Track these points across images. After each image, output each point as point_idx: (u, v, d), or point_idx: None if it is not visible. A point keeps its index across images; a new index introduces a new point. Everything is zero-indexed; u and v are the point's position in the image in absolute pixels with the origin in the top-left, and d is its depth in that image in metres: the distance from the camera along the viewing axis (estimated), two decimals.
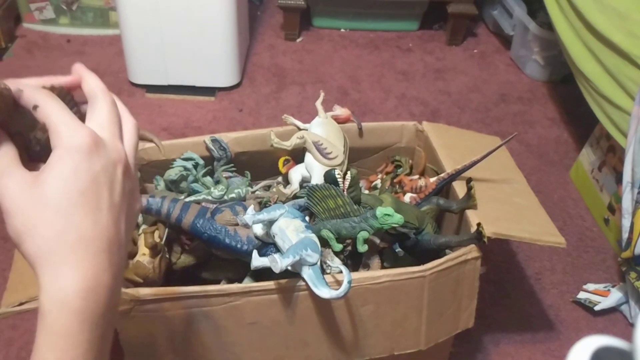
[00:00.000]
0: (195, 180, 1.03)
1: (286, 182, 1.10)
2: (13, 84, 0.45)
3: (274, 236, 0.85)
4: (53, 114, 0.43)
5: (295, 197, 1.02)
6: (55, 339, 0.39)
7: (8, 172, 0.41)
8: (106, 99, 0.46)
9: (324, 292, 0.79)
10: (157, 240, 0.91)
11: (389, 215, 0.84)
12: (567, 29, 1.41)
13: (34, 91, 0.45)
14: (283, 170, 1.09)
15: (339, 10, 2.05)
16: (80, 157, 0.41)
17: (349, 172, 0.93)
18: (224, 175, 1.04)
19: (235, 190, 1.02)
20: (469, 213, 0.94)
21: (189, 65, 1.72)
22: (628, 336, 0.28)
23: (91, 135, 0.42)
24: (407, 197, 1.04)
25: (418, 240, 0.93)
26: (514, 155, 1.14)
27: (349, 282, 0.79)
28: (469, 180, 0.93)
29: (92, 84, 0.47)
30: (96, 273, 0.40)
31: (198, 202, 0.97)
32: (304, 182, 1.06)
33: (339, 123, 1.12)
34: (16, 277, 0.85)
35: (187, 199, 0.97)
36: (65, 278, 0.39)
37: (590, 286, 1.26)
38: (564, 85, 1.86)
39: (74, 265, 0.40)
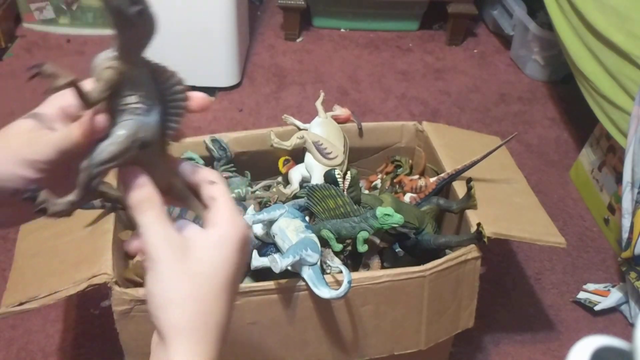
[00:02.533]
0: None
1: (286, 182, 1.10)
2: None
3: (274, 236, 0.85)
4: (223, 196, 0.44)
5: (295, 197, 1.02)
6: None
7: (156, 228, 0.41)
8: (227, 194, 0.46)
9: (324, 292, 0.79)
10: None
11: (389, 215, 0.84)
12: (567, 29, 1.41)
13: (210, 171, 0.46)
14: (283, 170, 1.09)
15: (339, 10, 2.05)
16: (236, 247, 0.43)
17: (349, 172, 0.93)
18: (224, 175, 1.04)
19: (236, 190, 1.02)
20: (469, 213, 0.94)
21: (189, 65, 1.71)
22: (628, 336, 0.28)
23: (247, 230, 0.44)
24: (407, 197, 1.04)
25: (418, 240, 0.93)
26: (514, 155, 1.14)
27: (349, 282, 0.79)
28: (469, 180, 0.93)
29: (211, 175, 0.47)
30: (217, 356, 0.42)
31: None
32: (304, 182, 1.06)
33: (339, 123, 1.12)
34: (16, 277, 0.85)
35: None
36: (196, 357, 0.40)
37: (590, 286, 1.26)
38: (564, 85, 1.86)
39: (206, 348, 0.41)
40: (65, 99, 0.42)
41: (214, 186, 0.44)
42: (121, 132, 0.40)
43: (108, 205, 0.45)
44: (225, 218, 0.43)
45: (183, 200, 0.46)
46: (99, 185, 0.41)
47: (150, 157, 0.42)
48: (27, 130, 0.41)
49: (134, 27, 0.38)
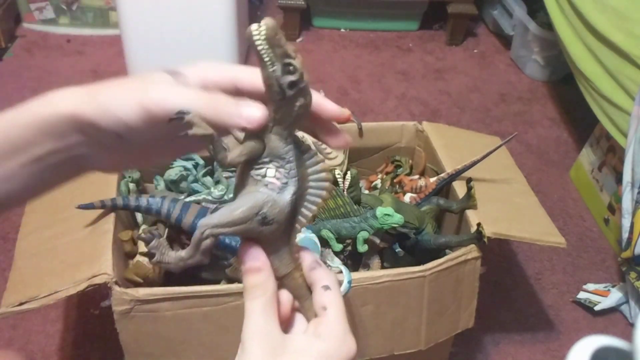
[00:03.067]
0: (195, 180, 1.03)
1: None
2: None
3: None
4: (336, 307, 0.41)
5: None
6: None
7: (258, 319, 0.39)
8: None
9: None
10: None
11: (389, 215, 0.84)
12: (567, 29, 1.41)
13: (327, 272, 0.43)
14: None
15: (339, 10, 2.05)
16: None
17: (349, 172, 0.93)
18: (224, 175, 1.04)
19: None
20: (469, 213, 0.94)
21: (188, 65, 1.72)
22: (628, 336, 0.28)
23: (355, 351, 0.40)
24: (407, 197, 1.04)
25: (418, 240, 0.93)
26: (514, 155, 1.14)
27: (349, 282, 0.79)
28: (469, 180, 0.93)
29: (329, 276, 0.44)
30: None
31: (198, 202, 0.97)
32: None
33: (339, 123, 1.12)
34: (16, 277, 0.85)
35: (187, 199, 0.97)
36: None
37: (590, 286, 1.26)
38: (564, 85, 1.86)
39: None
40: (210, 72, 0.40)
41: (328, 293, 0.41)
42: (246, 202, 0.39)
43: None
44: (334, 334, 0.40)
45: (297, 297, 0.43)
46: (211, 247, 0.39)
47: (273, 239, 0.40)
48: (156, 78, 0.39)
49: (288, 100, 0.37)
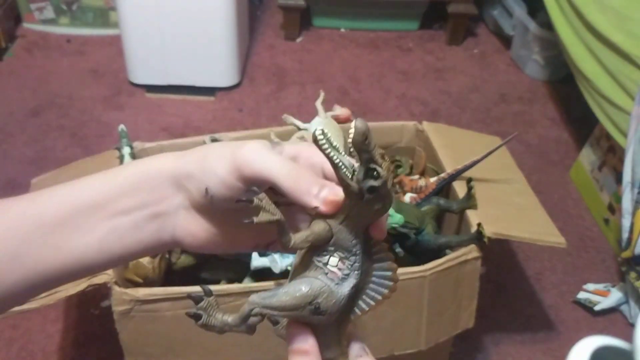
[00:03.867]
0: None
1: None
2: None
3: None
4: None
5: None
6: None
7: None
8: None
9: None
10: None
11: (389, 215, 0.84)
12: (567, 29, 1.41)
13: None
14: None
15: (339, 10, 2.05)
16: None
17: None
18: None
19: None
20: (469, 213, 0.94)
21: (189, 65, 1.72)
22: (628, 336, 0.28)
23: None
24: (407, 197, 1.04)
25: (418, 240, 0.93)
26: (514, 155, 1.14)
27: None
28: (469, 180, 0.93)
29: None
30: None
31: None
32: None
33: (339, 123, 1.12)
34: None
35: None
36: None
37: (590, 286, 1.26)
38: (564, 85, 1.86)
39: None
40: (305, 151, 0.40)
41: None
42: (302, 288, 0.37)
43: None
44: None
45: None
46: (257, 324, 0.38)
47: (324, 328, 0.39)
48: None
49: (366, 202, 0.36)
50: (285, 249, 0.37)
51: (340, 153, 0.35)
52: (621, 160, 1.21)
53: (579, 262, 1.33)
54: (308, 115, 1.27)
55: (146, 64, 1.71)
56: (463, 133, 1.22)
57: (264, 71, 1.87)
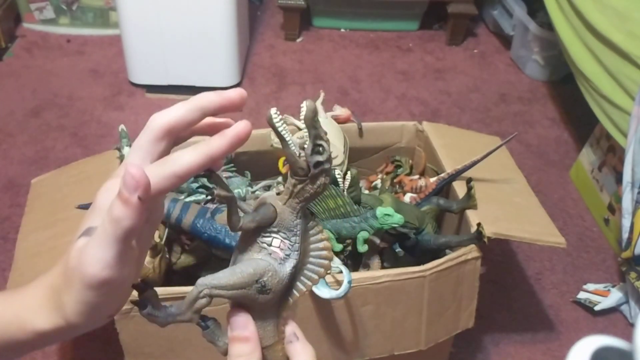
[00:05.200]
0: (195, 180, 1.03)
1: (286, 182, 1.09)
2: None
3: None
4: None
5: None
6: None
7: None
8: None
9: (324, 292, 0.79)
10: (157, 240, 0.91)
11: (389, 215, 0.84)
12: (567, 29, 1.41)
13: (306, 347, 0.43)
14: (283, 170, 1.09)
15: (339, 10, 2.05)
16: None
17: (349, 172, 0.93)
18: (224, 175, 1.04)
19: (236, 190, 1.02)
20: (469, 213, 0.94)
21: (189, 65, 1.72)
22: (628, 336, 0.28)
23: None
24: (407, 197, 1.04)
25: (418, 240, 0.93)
26: (514, 155, 1.14)
27: (349, 282, 0.79)
28: (469, 180, 0.93)
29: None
30: None
31: (198, 202, 0.97)
32: None
33: (339, 123, 1.12)
34: (16, 277, 0.85)
35: (187, 199, 0.97)
36: None
37: (590, 286, 1.26)
38: (564, 85, 1.86)
39: None
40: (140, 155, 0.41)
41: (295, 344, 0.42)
42: (248, 268, 0.39)
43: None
44: None
45: None
46: (204, 307, 0.39)
47: (265, 308, 0.41)
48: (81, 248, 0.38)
49: (311, 178, 0.39)
50: (234, 229, 0.39)
51: (308, 131, 0.38)
52: (621, 160, 1.21)
53: (579, 262, 1.33)
54: None
55: (146, 64, 1.71)
56: (463, 133, 1.22)
57: (264, 71, 1.87)
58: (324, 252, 0.41)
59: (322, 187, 0.40)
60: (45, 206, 0.95)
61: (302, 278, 0.42)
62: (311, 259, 0.42)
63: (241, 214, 0.40)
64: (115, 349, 0.83)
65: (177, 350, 0.83)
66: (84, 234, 0.38)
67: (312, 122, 0.37)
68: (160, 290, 0.79)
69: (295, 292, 0.42)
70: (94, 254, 0.36)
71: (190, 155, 0.38)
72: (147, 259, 0.90)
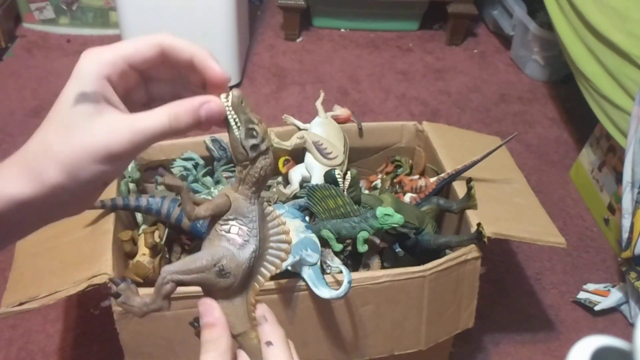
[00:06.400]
0: (195, 180, 1.03)
1: (286, 182, 1.10)
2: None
3: None
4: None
5: (295, 197, 1.02)
6: None
7: None
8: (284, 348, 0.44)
9: (324, 292, 0.79)
10: (157, 240, 0.91)
11: (389, 215, 0.84)
12: (567, 29, 1.41)
13: (275, 329, 0.44)
14: (283, 170, 1.09)
15: (339, 10, 2.05)
16: None
17: (349, 172, 0.93)
18: (224, 175, 1.04)
19: None
20: (469, 213, 0.94)
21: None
22: (628, 336, 0.28)
23: None
24: (407, 197, 1.04)
25: (418, 240, 0.93)
26: (514, 155, 1.14)
27: (349, 282, 0.79)
28: (469, 180, 0.93)
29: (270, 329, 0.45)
30: None
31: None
32: (304, 182, 1.06)
33: (339, 123, 1.12)
34: (16, 277, 0.85)
35: None
36: None
37: (590, 286, 1.26)
38: (564, 85, 1.86)
39: None
40: (104, 56, 0.39)
41: (271, 349, 0.43)
42: (205, 254, 0.42)
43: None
44: None
45: (252, 357, 0.44)
46: (171, 292, 0.42)
47: (231, 294, 0.43)
48: (87, 115, 0.37)
49: (251, 162, 0.41)
50: (190, 218, 0.41)
51: (237, 117, 0.40)
52: (621, 160, 1.21)
53: (579, 262, 1.33)
54: (308, 115, 1.27)
55: None
56: (463, 133, 1.22)
57: (264, 71, 1.87)
58: (283, 236, 0.44)
59: (266, 170, 0.42)
60: None
61: (264, 263, 0.44)
62: (271, 244, 0.44)
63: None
64: (115, 349, 0.83)
65: (177, 350, 0.83)
66: (79, 100, 0.37)
67: (241, 108, 0.40)
68: None
69: (259, 277, 0.44)
70: (116, 125, 0.37)
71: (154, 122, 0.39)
72: (147, 259, 0.90)
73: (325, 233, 0.88)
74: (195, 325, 0.44)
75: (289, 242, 0.44)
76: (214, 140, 1.06)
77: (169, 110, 0.39)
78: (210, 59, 0.41)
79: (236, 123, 0.40)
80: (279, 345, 0.43)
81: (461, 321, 0.94)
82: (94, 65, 0.38)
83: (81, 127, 0.37)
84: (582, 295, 1.24)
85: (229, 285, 0.42)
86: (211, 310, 0.42)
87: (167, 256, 0.95)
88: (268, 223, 0.43)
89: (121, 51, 0.39)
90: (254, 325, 0.44)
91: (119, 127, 0.37)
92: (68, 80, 0.38)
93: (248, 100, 0.41)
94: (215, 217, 0.42)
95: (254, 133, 0.41)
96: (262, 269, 0.44)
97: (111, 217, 0.89)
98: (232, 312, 0.43)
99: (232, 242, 0.42)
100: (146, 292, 0.78)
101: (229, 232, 0.42)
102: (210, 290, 0.43)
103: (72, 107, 0.37)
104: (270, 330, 0.44)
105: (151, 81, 0.42)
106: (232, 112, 0.40)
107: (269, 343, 0.43)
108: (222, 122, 0.41)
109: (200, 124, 0.40)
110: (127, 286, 0.43)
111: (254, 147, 0.41)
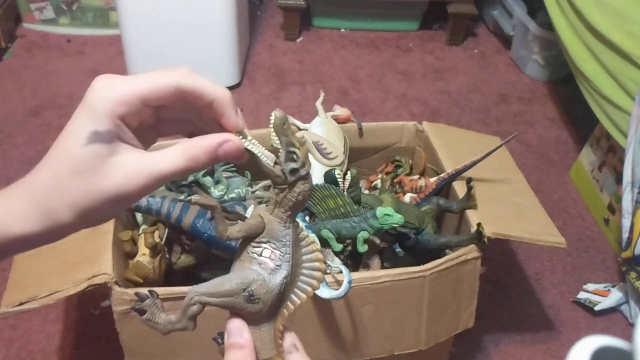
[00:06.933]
0: (195, 180, 1.03)
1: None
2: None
3: None
4: None
5: None
6: None
7: None
8: None
9: (324, 292, 0.79)
10: (157, 240, 0.91)
11: (389, 215, 0.84)
12: (567, 29, 1.41)
13: (305, 359, 0.44)
14: None
15: (339, 10, 2.05)
16: None
17: (349, 172, 0.93)
18: (224, 175, 1.04)
19: (235, 190, 1.02)
20: (469, 213, 0.94)
21: (189, 65, 1.71)
22: (628, 336, 0.28)
23: None
24: (407, 197, 1.04)
25: (418, 240, 0.93)
26: (514, 155, 1.14)
27: (349, 282, 0.79)
28: (469, 180, 0.93)
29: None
30: None
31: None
32: None
33: (339, 123, 1.12)
34: (16, 277, 0.85)
35: (187, 199, 0.97)
36: None
37: (590, 286, 1.26)
38: (564, 85, 1.86)
39: None
40: (119, 94, 0.37)
41: None
42: (236, 277, 0.40)
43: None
44: None
45: None
46: (197, 314, 0.41)
47: (258, 319, 0.41)
48: (101, 157, 0.37)
49: (290, 186, 0.40)
50: (222, 238, 0.40)
51: (278, 138, 0.39)
52: (621, 160, 1.21)
53: (579, 262, 1.33)
54: (308, 115, 1.27)
55: (146, 64, 1.71)
56: (463, 133, 1.22)
57: (264, 71, 1.87)
58: (316, 264, 0.42)
59: (304, 194, 0.40)
60: None
61: (295, 290, 0.42)
62: (304, 271, 0.42)
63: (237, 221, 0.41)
64: (115, 349, 0.83)
65: (177, 350, 0.83)
66: (92, 140, 0.36)
67: (283, 130, 0.39)
68: (161, 291, 0.79)
69: (289, 303, 0.42)
70: (132, 169, 0.36)
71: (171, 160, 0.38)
72: (147, 259, 0.90)
73: (325, 233, 0.88)
74: (220, 342, 0.42)
75: (321, 270, 0.42)
76: None
77: (185, 152, 0.38)
78: (229, 107, 0.40)
79: (261, 151, 0.40)
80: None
81: (461, 321, 0.94)
82: (108, 103, 0.37)
83: (95, 170, 0.36)
84: (582, 295, 1.24)
85: (257, 311, 0.40)
86: (241, 332, 0.41)
87: (167, 256, 0.95)
88: (302, 249, 0.42)
89: (137, 89, 0.37)
90: (280, 352, 0.42)
91: (134, 170, 0.37)
92: (78, 110, 0.38)
93: (289, 122, 0.40)
94: (248, 239, 0.41)
95: (294, 157, 0.39)
96: (293, 296, 0.42)
97: None
98: (258, 337, 0.41)
99: (263, 265, 0.40)
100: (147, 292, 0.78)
101: (261, 255, 0.41)
102: (237, 314, 0.41)
103: (84, 146, 0.36)
104: None
105: (164, 109, 0.41)
106: (252, 141, 0.40)
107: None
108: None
109: (217, 162, 0.39)
110: (153, 302, 0.42)
111: (294, 171, 0.39)
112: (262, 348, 0.42)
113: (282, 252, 0.41)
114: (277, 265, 0.41)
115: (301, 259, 0.42)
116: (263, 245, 0.41)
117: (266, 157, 0.40)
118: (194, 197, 0.39)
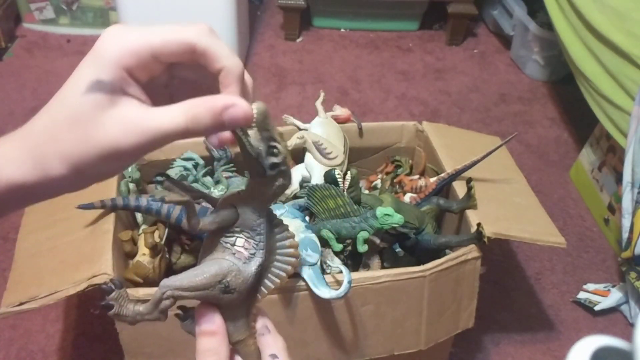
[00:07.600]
0: (195, 180, 1.03)
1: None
2: None
3: None
4: None
5: (295, 197, 1.02)
6: None
7: None
8: None
9: (324, 292, 0.79)
10: (157, 240, 0.91)
11: (389, 215, 0.84)
12: (567, 29, 1.41)
13: (277, 340, 0.43)
14: None
15: (339, 10, 2.05)
16: None
17: (349, 172, 0.93)
18: (224, 175, 1.04)
19: (236, 191, 1.01)
20: (469, 213, 0.94)
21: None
22: (628, 336, 0.28)
23: None
24: (407, 197, 1.04)
25: (418, 240, 0.93)
26: (514, 155, 1.14)
27: (349, 282, 0.79)
28: (469, 180, 0.93)
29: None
30: None
31: (198, 203, 0.97)
32: (304, 182, 1.06)
33: (339, 123, 1.12)
34: (16, 277, 0.85)
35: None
36: None
37: (590, 286, 1.26)
38: (564, 85, 1.86)
39: None
40: (129, 43, 0.35)
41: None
42: (210, 269, 0.39)
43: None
44: None
45: None
46: (169, 307, 0.40)
47: (232, 305, 0.41)
48: (99, 106, 0.34)
49: (269, 179, 0.39)
50: (194, 230, 0.39)
51: (259, 133, 0.38)
52: (621, 160, 1.21)
53: (579, 262, 1.33)
54: (308, 115, 1.27)
55: None
56: (463, 133, 1.21)
57: (264, 71, 1.87)
58: (291, 250, 0.42)
59: (281, 189, 0.40)
60: (45, 206, 0.94)
61: (269, 276, 0.42)
62: (278, 257, 0.42)
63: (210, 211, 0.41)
64: (115, 349, 0.83)
65: (177, 350, 0.83)
66: (93, 89, 0.34)
67: (264, 125, 0.38)
68: None
69: (263, 289, 0.42)
70: (129, 122, 0.34)
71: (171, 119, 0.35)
72: (147, 259, 0.90)
73: (325, 233, 0.88)
74: (181, 316, 0.41)
75: (296, 256, 0.42)
76: None
77: (186, 109, 0.35)
78: (235, 81, 0.37)
79: (252, 143, 0.38)
80: (283, 358, 0.42)
81: (461, 321, 0.94)
82: (116, 52, 0.34)
83: (91, 120, 0.34)
84: (582, 295, 1.24)
85: (232, 300, 0.40)
86: (212, 317, 0.40)
87: (167, 256, 0.95)
88: (276, 235, 0.42)
89: (147, 41, 0.35)
90: (252, 333, 0.42)
91: (131, 124, 0.34)
92: (84, 58, 0.35)
93: (270, 116, 0.38)
94: (221, 229, 0.40)
95: (275, 151, 0.38)
96: (266, 281, 0.42)
97: (111, 217, 0.89)
98: (231, 321, 0.41)
99: (237, 255, 0.40)
100: (147, 291, 0.78)
101: (234, 244, 0.40)
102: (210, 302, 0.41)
103: (84, 94, 0.34)
104: (273, 342, 0.42)
105: (178, 68, 0.39)
106: (242, 133, 0.38)
107: (273, 356, 0.42)
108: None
109: (221, 129, 0.36)
110: (119, 293, 0.40)
111: (274, 165, 0.38)
112: (234, 331, 0.41)
113: (256, 241, 0.40)
114: (252, 254, 0.40)
115: (275, 246, 0.42)
116: (237, 234, 0.40)
117: (250, 147, 0.38)
118: (167, 198, 0.38)
